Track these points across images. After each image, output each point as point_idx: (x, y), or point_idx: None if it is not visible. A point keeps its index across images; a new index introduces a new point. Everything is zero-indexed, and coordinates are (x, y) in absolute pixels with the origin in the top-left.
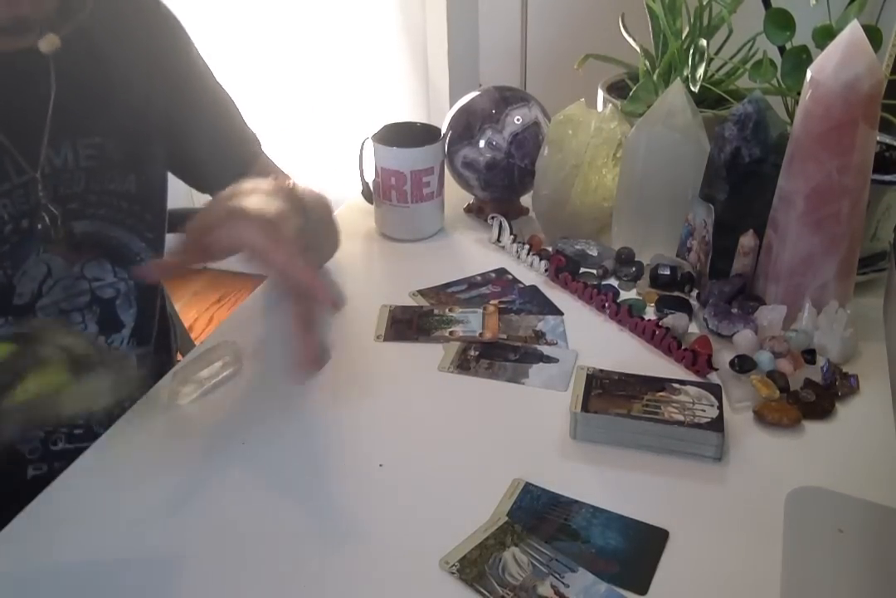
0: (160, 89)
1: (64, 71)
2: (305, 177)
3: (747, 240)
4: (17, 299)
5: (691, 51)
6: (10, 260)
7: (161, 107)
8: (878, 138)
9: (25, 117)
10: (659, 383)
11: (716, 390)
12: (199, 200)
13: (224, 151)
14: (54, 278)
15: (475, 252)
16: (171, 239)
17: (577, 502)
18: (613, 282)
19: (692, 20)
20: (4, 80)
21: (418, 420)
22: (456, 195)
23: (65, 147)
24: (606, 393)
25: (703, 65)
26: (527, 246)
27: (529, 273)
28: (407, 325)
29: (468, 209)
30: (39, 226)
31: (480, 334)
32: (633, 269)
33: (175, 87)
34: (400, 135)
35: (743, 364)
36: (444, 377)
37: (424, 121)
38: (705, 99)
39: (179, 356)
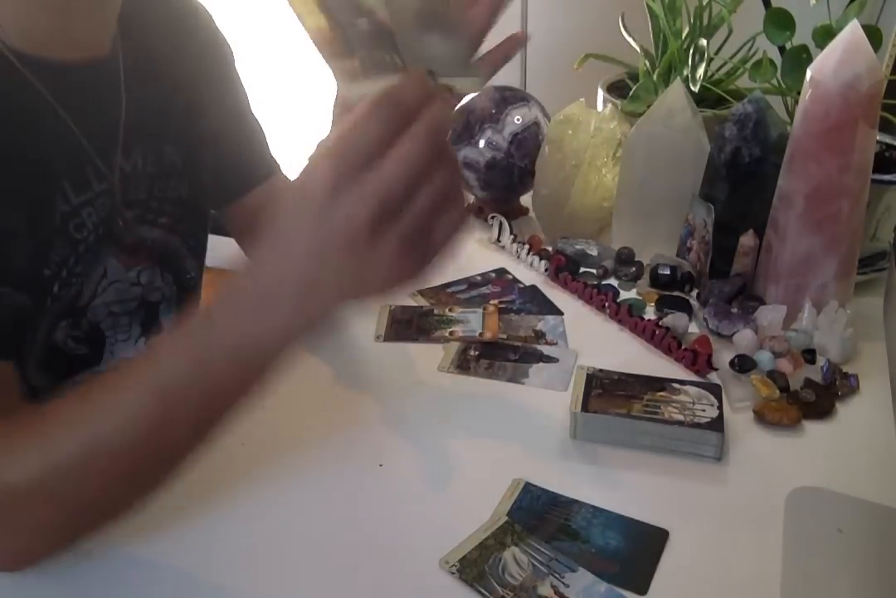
0: (208, 96)
1: (132, 77)
2: None
3: (747, 240)
4: (80, 300)
5: (691, 51)
6: (83, 267)
7: (209, 113)
8: (878, 138)
9: (104, 126)
10: (659, 383)
11: (716, 390)
12: None
13: (238, 164)
14: (109, 280)
15: (475, 252)
16: (211, 246)
17: (577, 502)
18: (613, 282)
19: (692, 20)
20: (86, 90)
21: (418, 420)
22: None
23: (135, 154)
24: (606, 393)
25: (703, 65)
26: (527, 246)
27: (529, 273)
28: (407, 325)
29: (468, 209)
30: (115, 232)
31: (480, 334)
32: (633, 269)
33: (218, 98)
34: None
35: (743, 364)
36: (444, 377)
37: None
38: (705, 99)
39: None
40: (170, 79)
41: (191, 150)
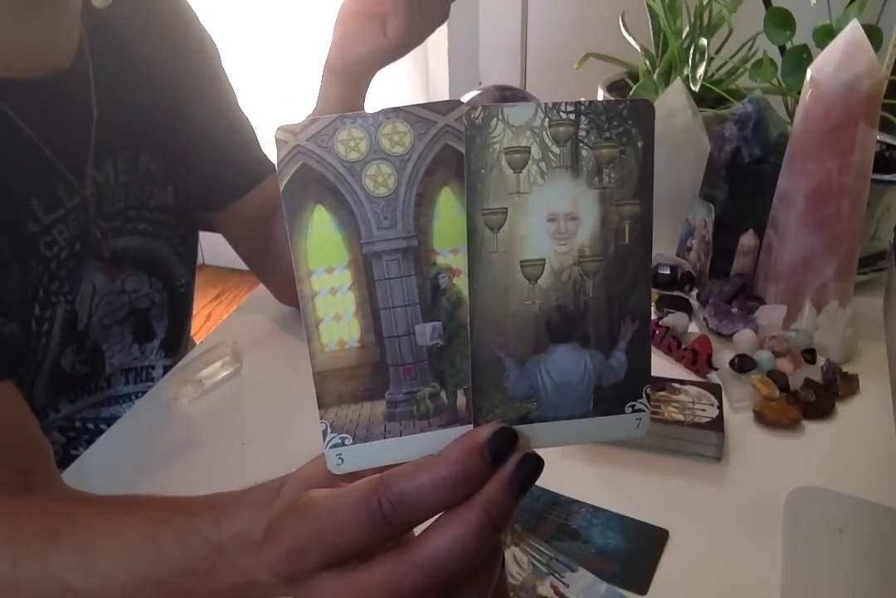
0: (193, 99)
1: (103, 88)
2: None
3: (747, 240)
4: (80, 324)
5: (691, 50)
6: (68, 285)
7: (196, 119)
8: (878, 138)
9: (74, 139)
10: (659, 383)
11: (716, 390)
12: None
13: (229, 168)
14: (99, 295)
15: None
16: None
17: (577, 501)
18: None
19: (692, 19)
20: (52, 105)
21: None
22: None
23: (107, 164)
24: None
25: (704, 64)
26: None
27: None
28: None
29: None
30: (92, 245)
31: None
32: None
33: (203, 100)
34: None
35: (743, 364)
36: None
37: None
38: (705, 98)
39: None
40: (149, 83)
41: (174, 155)
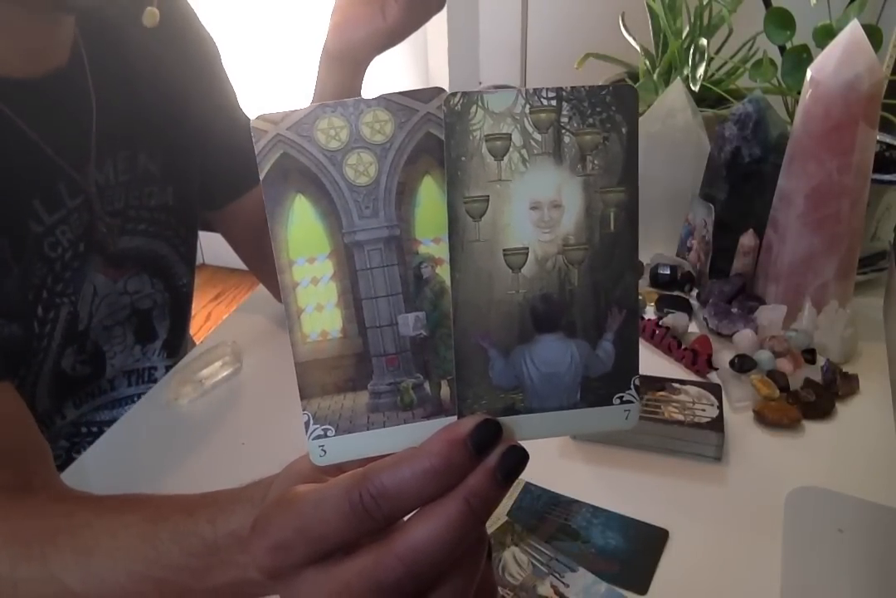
0: (193, 98)
1: (101, 86)
2: None
3: (747, 240)
4: (80, 324)
5: (691, 50)
6: (72, 286)
7: (197, 117)
8: (878, 138)
9: (75, 137)
10: (659, 383)
11: (716, 390)
12: None
13: (229, 167)
14: (100, 296)
15: None
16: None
17: (577, 502)
18: None
19: (692, 19)
20: (52, 104)
21: None
22: None
23: (107, 164)
24: None
25: (704, 64)
26: None
27: None
28: None
29: None
30: (94, 245)
31: None
32: None
33: (204, 98)
34: None
35: (743, 364)
36: None
37: None
38: (705, 98)
39: None
40: (148, 82)
41: (174, 155)
